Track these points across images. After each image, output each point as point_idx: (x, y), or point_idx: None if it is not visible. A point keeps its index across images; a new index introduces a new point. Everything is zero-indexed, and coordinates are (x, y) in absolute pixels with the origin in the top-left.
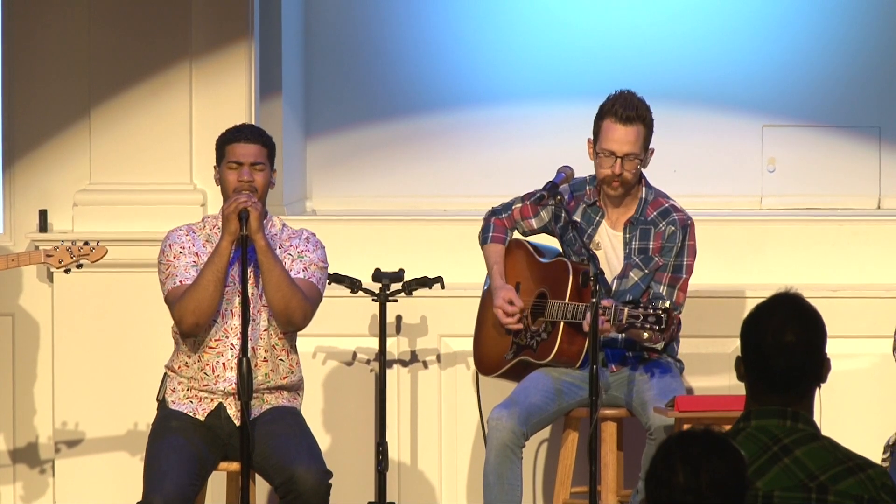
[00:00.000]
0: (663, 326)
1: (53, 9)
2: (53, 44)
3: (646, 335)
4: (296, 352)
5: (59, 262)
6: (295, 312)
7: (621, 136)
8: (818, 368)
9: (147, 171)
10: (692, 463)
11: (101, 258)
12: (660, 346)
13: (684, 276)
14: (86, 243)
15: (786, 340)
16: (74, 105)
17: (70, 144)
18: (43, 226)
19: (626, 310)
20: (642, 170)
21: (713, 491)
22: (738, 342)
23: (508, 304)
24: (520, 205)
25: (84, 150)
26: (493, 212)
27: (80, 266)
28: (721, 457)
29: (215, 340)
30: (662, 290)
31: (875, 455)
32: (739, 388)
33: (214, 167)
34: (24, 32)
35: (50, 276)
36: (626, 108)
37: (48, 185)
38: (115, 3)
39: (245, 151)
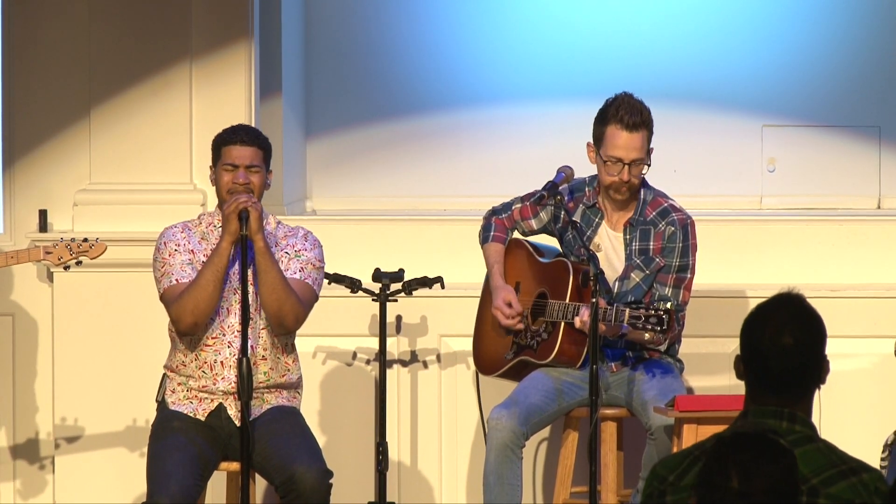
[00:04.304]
0: (665, 327)
1: (53, 9)
2: (53, 44)
3: (647, 336)
4: (294, 350)
5: (59, 259)
6: (287, 316)
7: (628, 143)
8: (817, 370)
9: (147, 171)
10: (745, 468)
11: (101, 254)
12: (663, 347)
13: (689, 275)
14: (85, 240)
15: (784, 342)
16: (74, 105)
17: (70, 144)
18: (43, 226)
19: (627, 310)
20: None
21: (767, 495)
22: (738, 342)
23: (507, 306)
24: (519, 205)
25: (84, 150)
26: (493, 211)
27: (79, 263)
28: (774, 460)
29: (212, 338)
30: (668, 291)
31: (874, 455)
32: (739, 388)
33: (210, 167)
34: (25, 32)
35: (50, 276)
36: (631, 114)
37: (48, 184)
38: (116, 4)
39: (241, 154)
